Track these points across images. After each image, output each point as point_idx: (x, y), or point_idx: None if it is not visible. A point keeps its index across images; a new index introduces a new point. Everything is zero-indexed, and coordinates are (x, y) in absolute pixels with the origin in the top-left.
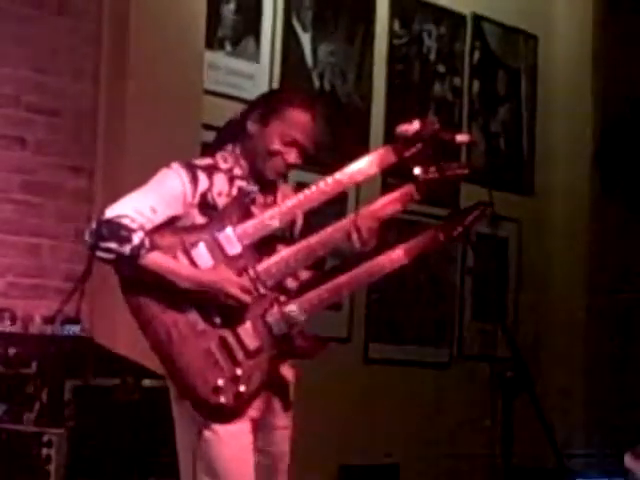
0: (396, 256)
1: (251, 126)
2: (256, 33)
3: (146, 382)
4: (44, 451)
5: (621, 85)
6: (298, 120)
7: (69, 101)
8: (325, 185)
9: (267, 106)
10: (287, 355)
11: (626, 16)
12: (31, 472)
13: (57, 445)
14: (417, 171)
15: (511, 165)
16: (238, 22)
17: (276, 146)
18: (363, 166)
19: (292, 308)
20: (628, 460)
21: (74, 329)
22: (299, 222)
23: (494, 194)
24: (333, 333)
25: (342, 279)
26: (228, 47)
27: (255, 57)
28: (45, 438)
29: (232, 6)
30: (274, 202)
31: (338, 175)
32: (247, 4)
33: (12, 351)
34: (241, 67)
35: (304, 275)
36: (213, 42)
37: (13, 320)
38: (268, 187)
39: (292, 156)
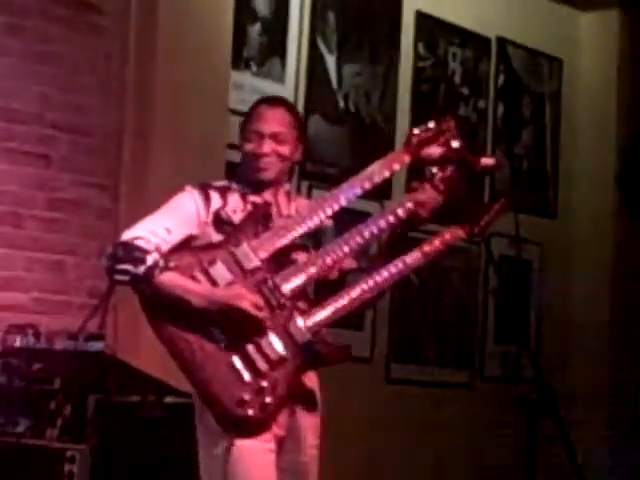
0: (416, 255)
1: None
2: (282, 54)
3: (168, 399)
4: (67, 467)
5: None
6: (255, 113)
7: (94, 119)
8: (338, 193)
9: (241, 126)
10: (312, 364)
11: None
12: None
13: (80, 461)
14: (434, 169)
15: (535, 188)
16: (264, 43)
17: (247, 147)
18: (376, 169)
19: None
20: None
21: (97, 345)
22: (327, 228)
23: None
24: (355, 353)
25: (364, 285)
26: (254, 67)
27: (280, 78)
28: (68, 454)
29: (258, 27)
30: (290, 213)
31: (351, 182)
32: (273, 25)
33: (36, 367)
34: (266, 87)
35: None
36: (239, 62)
37: (37, 336)
38: (265, 187)
39: (263, 147)
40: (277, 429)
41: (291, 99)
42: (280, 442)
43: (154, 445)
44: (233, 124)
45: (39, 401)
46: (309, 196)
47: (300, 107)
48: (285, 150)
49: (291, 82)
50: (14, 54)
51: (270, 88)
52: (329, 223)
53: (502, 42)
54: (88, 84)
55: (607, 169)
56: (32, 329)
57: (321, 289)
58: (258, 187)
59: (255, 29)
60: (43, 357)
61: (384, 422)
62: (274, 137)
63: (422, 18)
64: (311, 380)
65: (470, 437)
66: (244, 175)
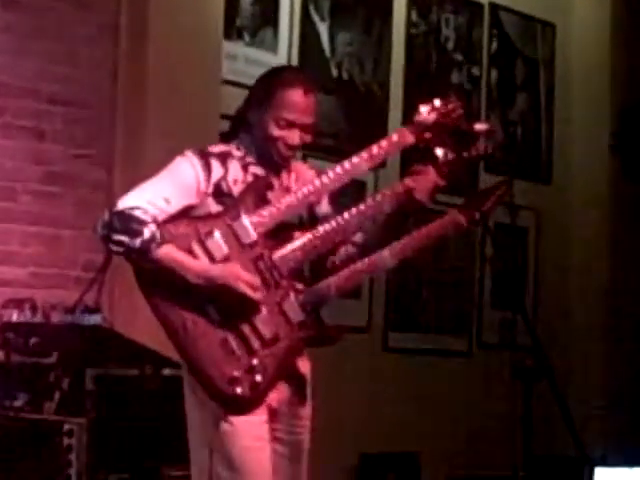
0: (415, 241)
1: (250, 115)
2: (274, 23)
3: (166, 371)
4: (65, 440)
5: (638, 71)
6: (290, 101)
7: (87, 92)
8: (342, 169)
9: (260, 92)
10: (305, 343)
11: None
12: (52, 461)
13: (78, 434)
14: (439, 152)
15: (529, 154)
16: (256, 13)
17: (275, 132)
18: (381, 148)
19: (312, 293)
20: None
21: (94, 319)
22: (323, 207)
23: (512, 184)
24: (352, 322)
25: (360, 265)
26: (246, 37)
27: (273, 47)
28: (66, 427)
29: None
30: (289, 184)
31: (355, 158)
32: None
33: (33, 341)
34: (259, 57)
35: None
36: (231, 32)
37: (34, 310)
38: (281, 169)
39: (294, 138)
40: (270, 400)
41: None
42: (273, 412)
43: (152, 418)
44: (227, 94)
45: (37, 375)
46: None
47: None
48: (309, 138)
49: (284, 52)
50: (8, 29)
51: (263, 58)
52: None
53: (495, 7)
54: (81, 57)
55: (601, 134)
56: (29, 303)
57: (316, 271)
58: (269, 165)
59: None
60: (40, 331)
61: (382, 391)
62: (304, 127)
63: None
64: (304, 367)
65: (468, 404)
66: (256, 147)
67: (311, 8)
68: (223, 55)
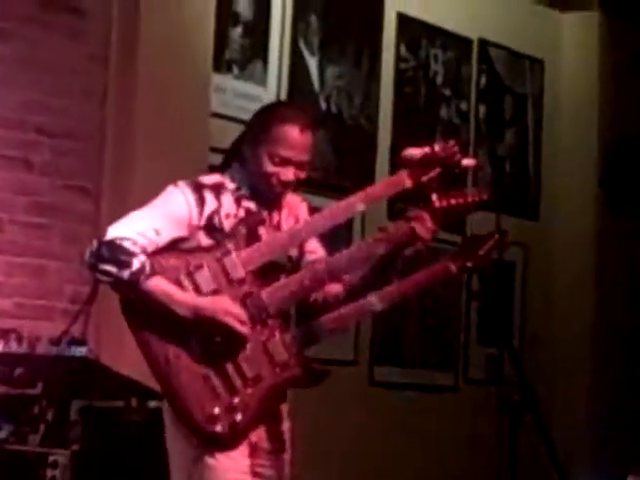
0: (404, 288)
1: (245, 149)
2: (264, 57)
3: (151, 403)
4: (49, 472)
5: (627, 109)
6: (285, 137)
7: (76, 123)
8: (337, 208)
9: (257, 126)
10: (288, 384)
11: (632, 39)
12: None
13: (62, 466)
14: (434, 197)
15: (517, 189)
16: (245, 45)
17: (269, 168)
18: (377, 189)
19: (295, 335)
20: None
21: (80, 350)
22: (312, 245)
23: (500, 218)
24: (339, 356)
25: (348, 309)
26: (235, 70)
27: (262, 80)
28: (50, 459)
29: (240, 30)
30: (280, 220)
31: (351, 198)
32: (255, 28)
33: (18, 371)
34: (248, 90)
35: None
36: (221, 65)
37: (19, 341)
38: (274, 204)
39: (288, 175)
40: (251, 435)
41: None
42: (253, 447)
43: (137, 450)
44: (215, 127)
45: (21, 406)
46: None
47: None
48: (304, 175)
49: (273, 85)
50: None
51: (252, 91)
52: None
53: (484, 43)
54: (70, 88)
55: (589, 170)
56: (14, 334)
57: (301, 311)
58: (262, 199)
59: (237, 32)
60: (25, 362)
61: (369, 424)
62: (299, 165)
63: (404, 20)
64: (283, 410)
65: (454, 439)
66: (249, 181)
67: (301, 42)
68: (212, 88)
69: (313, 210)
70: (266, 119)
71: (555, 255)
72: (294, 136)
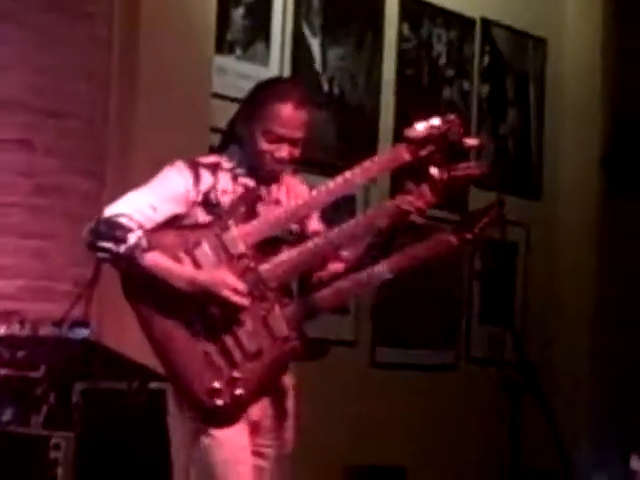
0: (405, 259)
1: (239, 127)
2: (266, 37)
3: (154, 385)
4: (52, 454)
5: (630, 89)
6: (278, 114)
7: (79, 104)
8: (335, 184)
9: (251, 104)
10: (290, 358)
11: (635, 17)
12: (39, 475)
13: (65, 448)
14: (433, 171)
15: (519, 169)
16: (247, 26)
17: (263, 146)
18: (375, 164)
19: (295, 309)
20: (634, 462)
21: (83, 332)
22: (314, 222)
23: (503, 198)
24: (340, 337)
25: (345, 284)
26: (238, 51)
27: (264, 61)
28: (53, 441)
29: (242, 11)
30: (279, 197)
31: (348, 174)
32: (257, 9)
33: (20, 354)
34: (250, 71)
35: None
36: (223, 46)
37: (22, 323)
38: (271, 182)
39: (283, 152)
40: (252, 414)
41: None
42: (254, 426)
43: (140, 431)
44: (217, 108)
45: (24, 389)
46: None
47: None
48: (298, 152)
49: (275, 66)
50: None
51: (254, 72)
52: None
53: (486, 23)
54: (73, 69)
55: (592, 150)
56: (17, 317)
57: (303, 285)
58: (259, 177)
59: (239, 13)
60: (28, 344)
61: (370, 405)
62: (293, 142)
63: (406, 0)
64: (288, 381)
65: (456, 418)
66: (246, 159)
67: (303, 23)
68: (214, 69)
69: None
70: (260, 96)
71: (557, 234)
72: (288, 113)
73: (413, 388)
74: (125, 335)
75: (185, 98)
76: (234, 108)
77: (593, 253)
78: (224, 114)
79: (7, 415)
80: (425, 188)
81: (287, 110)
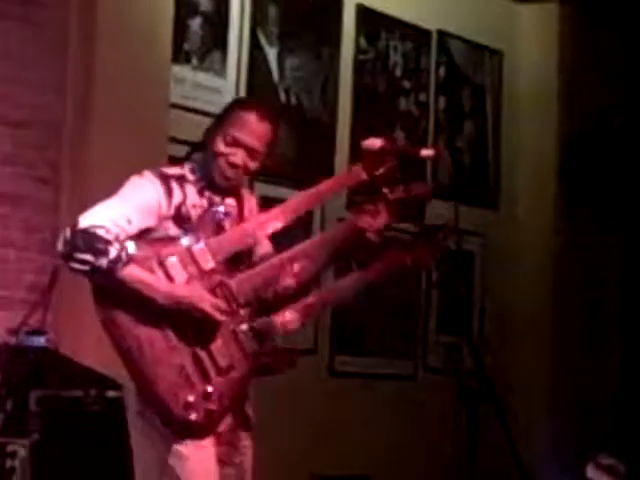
0: (361, 279)
1: (205, 137)
2: (223, 47)
3: (110, 393)
4: (8, 462)
5: (586, 98)
6: (240, 119)
7: (35, 112)
8: (297, 202)
9: (218, 116)
10: (258, 372)
11: (591, 31)
12: None
13: (21, 456)
14: (385, 190)
15: (476, 180)
16: (205, 36)
17: (220, 147)
18: (333, 183)
19: (264, 324)
20: (590, 471)
21: (39, 340)
22: (264, 244)
23: (459, 208)
24: (299, 344)
25: (310, 300)
26: (194, 61)
27: (221, 71)
28: (9, 449)
29: (199, 20)
30: (242, 213)
31: (308, 192)
32: (214, 18)
33: None
34: (207, 81)
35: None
36: (179, 56)
37: None
38: (229, 192)
39: (237, 157)
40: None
41: (232, 92)
42: (219, 436)
43: (96, 440)
44: (175, 118)
45: None
46: (251, 189)
47: None
48: (254, 166)
49: (232, 76)
50: None
51: (211, 82)
52: None
53: (442, 35)
54: (29, 78)
55: (548, 161)
56: None
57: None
58: (220, 189)
59: (196, 22)
60: None
61: (329, 413)
62: (250, 151)
63: (363, 11)
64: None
65: (414, 428)
66: (205, 169)
67: (260, 33)
68: (171, 78)
69: (260, 204)
70: (231, 105)
71: (514, 245)
72: (249, 120)
73: (372, 397)
74: (82, 343)
75: (142, 107)
76: (190, 118)
77: (550, 262)
78: (180, 124)
79: None
80: (381, 207)
81: (249, 117)
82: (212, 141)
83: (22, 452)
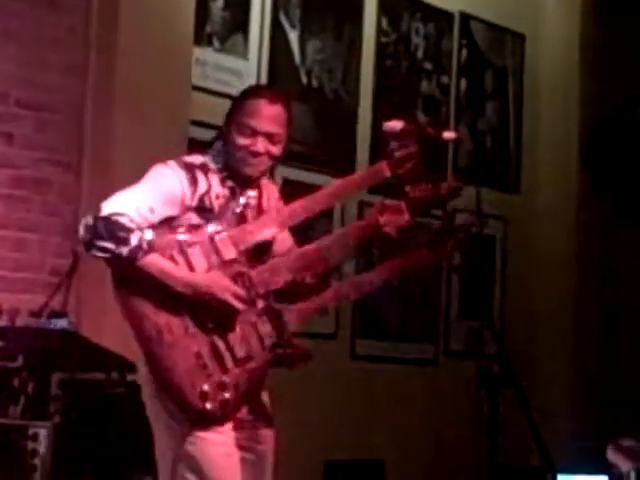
0: (384, 274)
1: (224, 129)
2: (244, 30)
3: (132, 376)
4: (30, 445)
5: (608, 83)
6: (252, 108)
7: (56, 96)
8: (320, 196)
9: (232, 105)
10: (274, 364)
11: (614, 16)
12: (17, 466)
13: (43, 439)
14: (407, 188)
15: (498, 163)
16: (226, 19)
17: (239, 140)
18: (358, 179)
19: (283, 315)
20: (610, 453)
21: (60, 323)
22: (281, 237)
23: (481, 191)
24: (320, 329)
25: (329, 293)
26: (216, 43)
27: (243, 54)
28: (31, 431)
29: (220, 3)
30: (262, 204)
31: (331, 188)
32: (235, 0)
33: None
34: (229, 63)
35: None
36: (201, 38)
37: None
38: (253, 184)
39: (258, 145)
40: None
41: (254, 75)
42: (238, 421)
43: (117, 422)
44: (196, 100)
45: (2, 379)
46: (271, 174)
47: (263, 83)
48: (277, 150)
49: (254, 58)
50: None
51: (233, 64)
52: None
53: (465, 17)
54: (50, 61)
55: (570, 144)
56: None
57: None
58: (241, 180)
59: (217, 5)
60: (5, 335)
61: (349, 398)
62: (269, 136)
63: None
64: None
65: (434, 411)
66: (228, 163)
67: (281, 15)
68: (193, 61)
69: (282, 193)
70: (240, 96)
71: (536, 228)
72: (261, 106)
73: (393, 381)
74: (103, 326)
75: (164, 90)
76: (212, 100)
77: (571, 246)
78: (202, 106)
79: None
80: (402, 205)
81: (260, 104)
82: (229, 135)
83: (43, 435)
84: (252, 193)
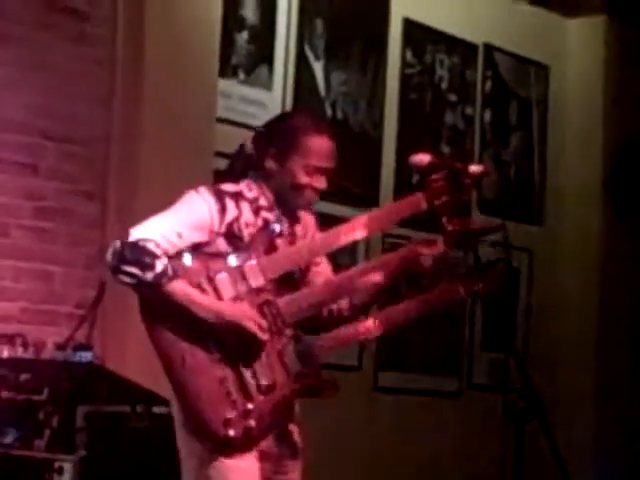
0: (414, 307)
1: (270, 164)
2: (269, 61)
3: (157, 409)
4: (55, 478)
5: (631, 113)
6: (315, 147)
7: (82, 127)
8: (354, 225)
9: (282, 141)
10: (302, 394)
11: (638, 45)
12: None
13: (68, 472)
14: (444, 220)
15: (522, 195)
16: (251, 51)
17: (302, 180)
18: (394, 209)
19: (309, 345)
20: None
21: (86, 355)
22: (317, 261)
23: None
24: (343, 361)
25: (360, 326)
26: (241, 75)
27: (268, 85)
28: (56, 465)
29: (245, 35)
30: (295, 232)
31: (366, 218)
32: (260, 33)
33: (24, 377)
34: (254, 95)
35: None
36: (226, 70)
37: (25, 346)
38: (293, 217)
39: (322, 183)
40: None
41: (278, 107)
42: (263, 453)
43: (143, 456)
44: (221, 132)
45: (27, 412)
46: None
47: None
48: (327, 183)
49: (279, 90)
50: (2, 63)
51: (258, 96)
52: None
53: (489, 48)
54: (76, 92)
55: (594, 175)
56: (20, 339)
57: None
58: (284, 212)
59: (243, 37)
60: (31, 367)
61: (373, 430)
62: (328, 171)
63: (409, 25)
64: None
65: (458, 445)
66: (275, 193)
67: (306, 47)
68: (218, 93)
69: (319, 222)
70: (290, 131)
71: (560, 260)
72: (324, 145)
73: (416, 413)
74: (128, 358)
75: (189, 122)
76: (237, 132)
77: (596, 278)
78: (227, 138)
79: (10, 438)
80: (440, 239)
81: (324, 142)
82: (287, 172)
83: (69, 468)
84: (285, 222)
